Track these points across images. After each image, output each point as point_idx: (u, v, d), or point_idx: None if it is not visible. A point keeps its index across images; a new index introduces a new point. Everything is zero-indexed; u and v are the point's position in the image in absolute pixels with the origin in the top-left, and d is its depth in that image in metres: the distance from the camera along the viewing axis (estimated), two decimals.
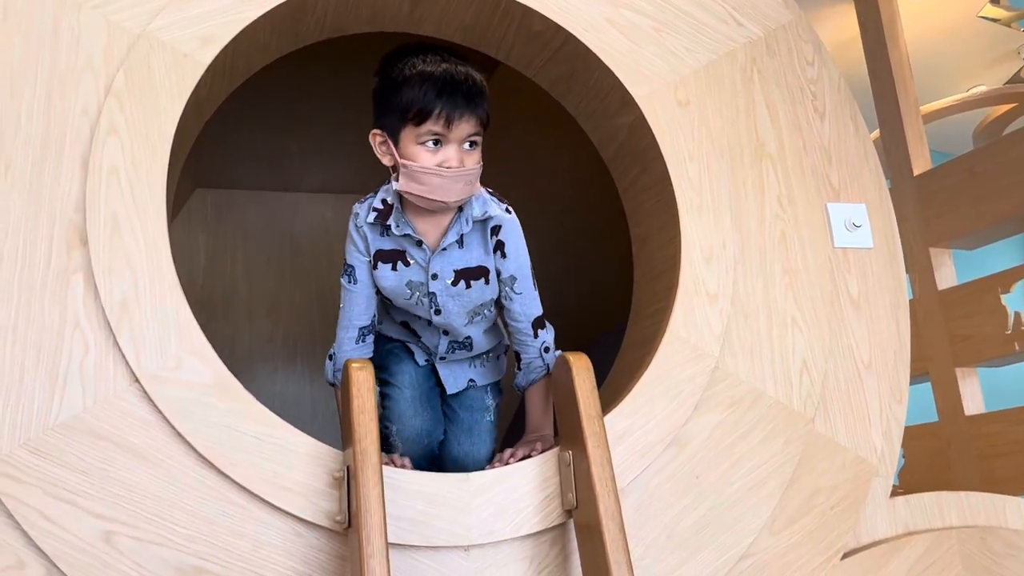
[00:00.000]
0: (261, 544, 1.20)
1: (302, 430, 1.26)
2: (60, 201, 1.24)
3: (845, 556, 1.47)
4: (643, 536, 1.35)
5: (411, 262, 1.42)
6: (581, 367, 1.31)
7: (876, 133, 2.83)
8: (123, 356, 1.20)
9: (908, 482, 2.53)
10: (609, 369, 1.71)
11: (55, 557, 1.13)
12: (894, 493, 1.56)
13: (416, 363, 1.54)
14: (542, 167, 2.49)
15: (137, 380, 1.20)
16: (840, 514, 1.48)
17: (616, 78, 1.57)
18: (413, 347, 1.55)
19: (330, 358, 1.50)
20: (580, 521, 1.26)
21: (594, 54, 1.57)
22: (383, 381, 1.52)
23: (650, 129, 1.56)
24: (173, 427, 1.19)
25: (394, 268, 1.43)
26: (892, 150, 2.55)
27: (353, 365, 1.23)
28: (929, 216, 2.42)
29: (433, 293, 1.43)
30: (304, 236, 3.06)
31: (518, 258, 1.44)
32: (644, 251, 1.68)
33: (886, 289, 1.66)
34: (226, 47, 1.38)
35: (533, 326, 1.46)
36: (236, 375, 1.26)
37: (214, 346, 1.27)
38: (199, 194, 2.96)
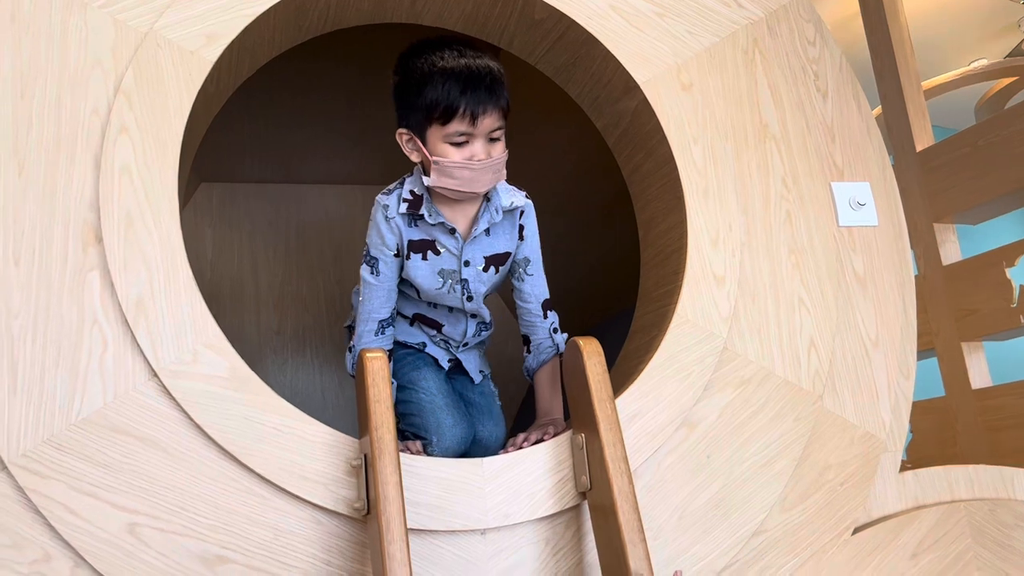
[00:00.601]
0: (282, 532, 1.22)
1: None
2: (74, 200, 1.26)
3: (856, 531, 1.49)
4: (656, 516, 1.37)
5: (441, 251, 1.44)
6: (592, 351, 1.32)
7: (878, 110, 2.83)
8: (141, 351, 1.22)
9: (916, 456, 2.54)
10: (614, 355, 1.72)
11: (81, 550, 1.15)
12: (903, 468, 1.57)
13: (438, 367, 1.55)
14: (545, 153, 2.50)
15: (155, 374, 1.22)
16: (850, 490, 1.50)
17: (619, 63, 1.58)
18: (432, 349, 1.56)
19: (350, 351, 1.51)
20: (594, 503, 1.28)
21: (597, 40, 1.57)
22: (401, 387, 1.51)
23: (654, 113, 1.57)
24: (192, 419, 1.21)
25: (424, 258, 1.44)
26: (894, 126, 2.54)
27: (367, 355, 1.25)
28: (933, 191, 2.41)
29: (465, 280, 1.46)
30: (310, 228, 3.07)
31: (533, 241, 1.50)
32: (650, 235, 1.69)
33: (891, 266, 1.67)
34: (232, 43, 1.39)
35: (543, 307, 1.51)
36: None
37: None
38: (204, 188, 2.97)
